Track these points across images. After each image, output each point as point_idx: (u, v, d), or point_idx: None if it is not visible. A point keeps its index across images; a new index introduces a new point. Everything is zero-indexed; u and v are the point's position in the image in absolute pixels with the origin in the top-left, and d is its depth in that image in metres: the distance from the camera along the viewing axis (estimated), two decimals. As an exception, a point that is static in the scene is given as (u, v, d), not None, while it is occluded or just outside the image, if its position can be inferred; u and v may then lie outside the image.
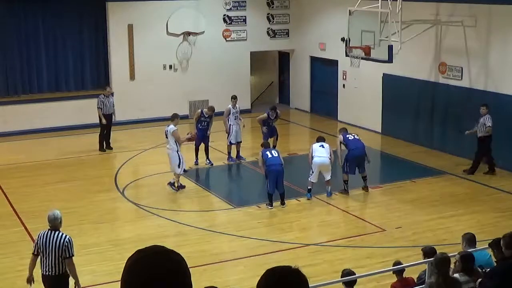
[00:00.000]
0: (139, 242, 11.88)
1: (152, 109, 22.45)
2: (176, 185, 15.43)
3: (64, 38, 21.73)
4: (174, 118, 15.43)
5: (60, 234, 8.93)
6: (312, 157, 14.75)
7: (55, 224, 8.96)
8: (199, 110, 17.60)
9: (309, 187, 14.85)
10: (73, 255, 8.98)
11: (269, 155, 14.30)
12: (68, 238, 8.93)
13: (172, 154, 15.23)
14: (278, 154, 14.47)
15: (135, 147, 19.43)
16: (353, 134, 15.50)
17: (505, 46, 16.78)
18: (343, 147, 15.35)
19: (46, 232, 8.97)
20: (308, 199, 14.85)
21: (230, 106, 17.80)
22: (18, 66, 21.30)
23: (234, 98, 18.02)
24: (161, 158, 18.15)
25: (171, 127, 15.20)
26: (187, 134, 16.01)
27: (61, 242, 8.84)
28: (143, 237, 12.63)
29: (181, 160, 15.26)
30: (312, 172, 14.75)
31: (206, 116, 17.20)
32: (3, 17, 20.87)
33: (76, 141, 20.21)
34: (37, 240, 9.02)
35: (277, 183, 14.18)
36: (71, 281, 9.16)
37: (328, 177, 14.83)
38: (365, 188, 15.40)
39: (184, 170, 15.53)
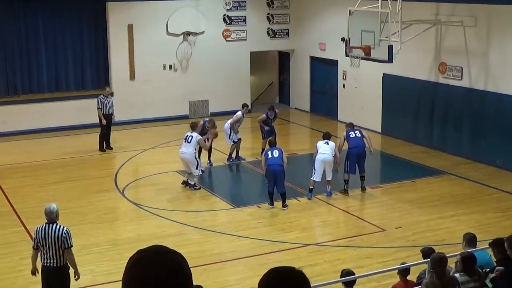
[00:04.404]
0: (139, 242, 11.90)
1: (152, 109, 22.46)
2: (193, 184, 15.59)
3: (64, 38, 21.72)
4: (195, 127, 15.78)
5: (58, 226, 9.08)
6: (316, 154, 14.73)
7: (51, 217, 9.08)
8: (202, 122, 16.86)
9: (310, 187, 14.82)
10: (71, 246, 9.12)
11: (270, 155, 14.29)
12: (66, 229, 9.09)
13: (190, 159, 15.36)
14: (279, 154, 14.33)
15: (135, 147, 19.42)
16: (356, 132, 15.42)
17: (505, 46, 16.76)
18: (345, 144, 15.33)
19: (43, 226, 9.09)
20: (309, 199, 14.84)
21: (240, 114, 17.63)
22: (18, 66, 21.28)
23: (246, 106, 17.95)
24: (161, 158, 18.20)
25: (196, 134, 15.51)
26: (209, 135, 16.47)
27: (60, 234, 8.99)
28: (143, 237, 12.63)
29: (199, 163, 15.50)
30: (315, 171, 14.74)
31: (207, 129, 17.08)
32: (3, 17, 20.85)
33: (76, 141, 20.20)
34: (36, 235, 9.11)
35: (276, 183, 14.16)
36: (71, 272, 9.28)
37: (330, 176, 14.82)
38: (363, 189, 15.40)
39: (202, 171, 15.59)
